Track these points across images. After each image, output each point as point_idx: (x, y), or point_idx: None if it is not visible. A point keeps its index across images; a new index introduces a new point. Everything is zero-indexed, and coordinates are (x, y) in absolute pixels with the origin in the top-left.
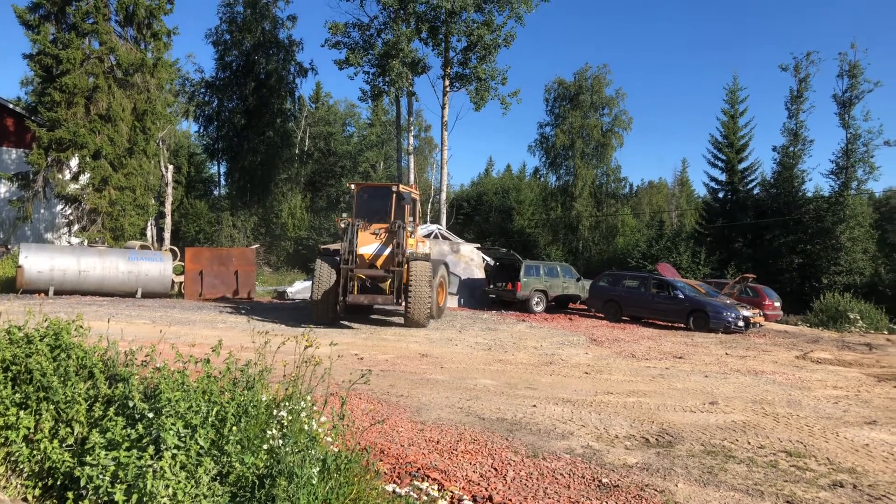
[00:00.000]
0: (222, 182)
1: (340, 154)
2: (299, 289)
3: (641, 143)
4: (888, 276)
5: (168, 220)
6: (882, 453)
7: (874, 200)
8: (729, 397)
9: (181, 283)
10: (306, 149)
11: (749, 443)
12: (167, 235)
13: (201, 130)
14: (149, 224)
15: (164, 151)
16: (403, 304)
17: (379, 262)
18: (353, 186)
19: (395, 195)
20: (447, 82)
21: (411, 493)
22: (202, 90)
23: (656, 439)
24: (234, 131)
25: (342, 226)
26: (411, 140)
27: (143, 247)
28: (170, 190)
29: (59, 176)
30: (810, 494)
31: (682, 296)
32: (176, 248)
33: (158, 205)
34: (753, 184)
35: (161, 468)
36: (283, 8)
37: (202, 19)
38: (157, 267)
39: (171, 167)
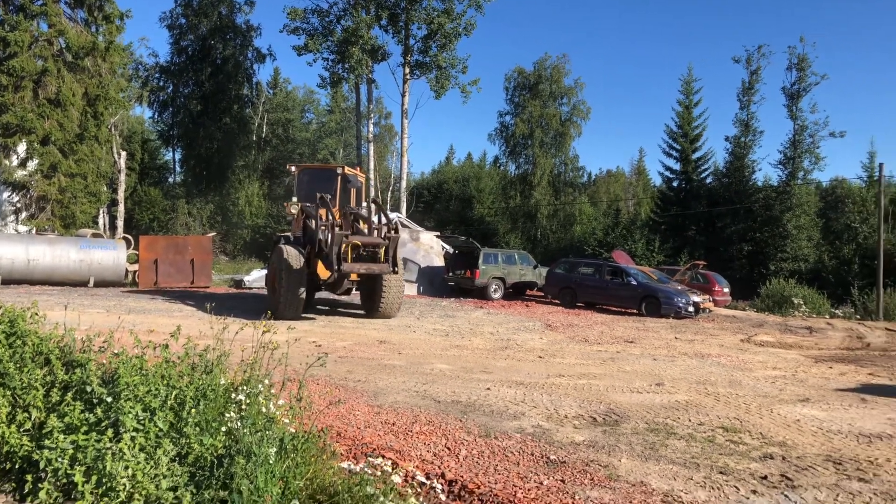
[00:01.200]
0: (177, 169)
1: (299, 141)
2: (256, 277)
3: (600, 132)
4: (831, 262)
5: (121, 207)
6: (812, 428)
7: (820, 189)
8: (675, 379)
9: (135, 271)
10: (264, 135)
11: (690, 420)
12: (120, 223)
13: (155, 116)
14: (101, 212)
15: (117, 137)
16: (390, 272)
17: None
18: (293, 168)
19: (340, 178)
20: (407, 70)
21: (366, 469)
22: (156, 75)
23: (603, 418)
24: (190, 117)
25: (293, 211)
26: (371, 128)
27: (95, 235)
28: (122, 177)
29: (6, 162)
30: (742, 465)
31: (634, 282)
32: (130, 237)
33: (111, 192)
34: (706, 173)
35: (120, 450)
36: None
37: (156, 2)
38: (111, 255)
39: (123, 154)
